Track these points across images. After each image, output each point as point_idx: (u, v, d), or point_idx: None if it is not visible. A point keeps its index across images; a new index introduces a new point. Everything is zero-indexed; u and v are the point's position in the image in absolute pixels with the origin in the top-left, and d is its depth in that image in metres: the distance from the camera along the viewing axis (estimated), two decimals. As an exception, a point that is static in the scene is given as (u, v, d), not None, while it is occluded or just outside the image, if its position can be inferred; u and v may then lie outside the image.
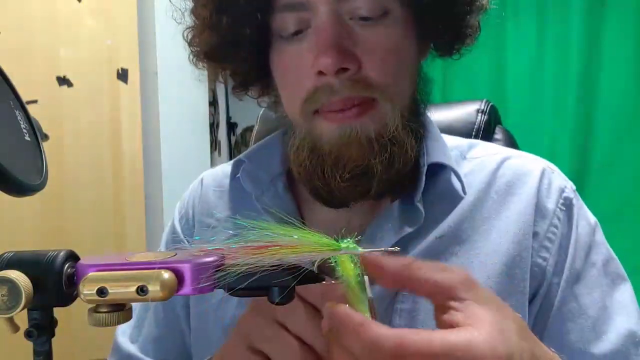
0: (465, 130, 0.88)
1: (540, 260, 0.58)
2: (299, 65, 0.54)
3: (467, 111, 0.91)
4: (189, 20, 0.61)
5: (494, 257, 0.57)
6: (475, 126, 0.89)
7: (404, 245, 0.57)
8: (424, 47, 0.61)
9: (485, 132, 0.89)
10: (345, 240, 0.37)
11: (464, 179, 0.61)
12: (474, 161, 0.64)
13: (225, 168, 0.74)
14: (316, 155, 0.55)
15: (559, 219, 0.59)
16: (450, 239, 0.58)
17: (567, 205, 0.60)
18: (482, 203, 0.60)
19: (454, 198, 0.60)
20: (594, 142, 2.20)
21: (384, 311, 0.53)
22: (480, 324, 0.34)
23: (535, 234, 0.58)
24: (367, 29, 0.53)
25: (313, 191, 0.58)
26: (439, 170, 0.60)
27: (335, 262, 0.37)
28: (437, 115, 0.89)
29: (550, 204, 0.60)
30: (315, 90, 0.53)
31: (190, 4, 0.59)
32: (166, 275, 0.30)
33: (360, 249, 0.37)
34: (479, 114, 0.90)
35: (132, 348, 0.69)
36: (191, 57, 0.62)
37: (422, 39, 0.58)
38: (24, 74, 1.26)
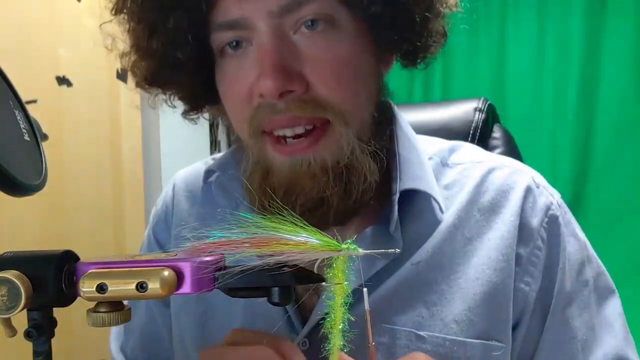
0: (463, 129, 0.88)
1: (522, 285, 0.55)
2: (242, 84, 0.50)
3: (464, 110, 0.91)
4: (120, 46, 0.56)
5: (476, 286, 0.53)
6: (473, 124, 0.88)
7: (377, 275, 0.53)
8: (386, 58, 0.56)
9: (483, 131, 0.89)
10: (345, 242, 0.37)
11: (445, 191, 0.57)
12: (456, 168, 0.60)
13: (198, 168, 0.69)
14: (268, 185, 0.51)
15: (542, 240, 0.56)
16: (429, 265, 0.54)
17: (552, 223, 0.57)
18: (463, 223, 0.56)
19: (432, 220, 0.55)
20: (594, 142, 2.20)
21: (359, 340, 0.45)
22: None
23: (518, 257, 0.55)
24: (315, 43, 0.48)
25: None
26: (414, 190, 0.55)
27: (331, 266, 0.37)
28: (435, 114, 0.89)
29: (534, 224, 0.56)
30: (257, 108, 0.50)
31: (117, 30, 0.55)
32: (166, 272, 0.30)
33: (361, 250, 0.37)
34: (477, 113, 0.90)
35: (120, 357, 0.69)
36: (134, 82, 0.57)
37: (380, 51, 0.54)
38: (23, 73, 1.25)
